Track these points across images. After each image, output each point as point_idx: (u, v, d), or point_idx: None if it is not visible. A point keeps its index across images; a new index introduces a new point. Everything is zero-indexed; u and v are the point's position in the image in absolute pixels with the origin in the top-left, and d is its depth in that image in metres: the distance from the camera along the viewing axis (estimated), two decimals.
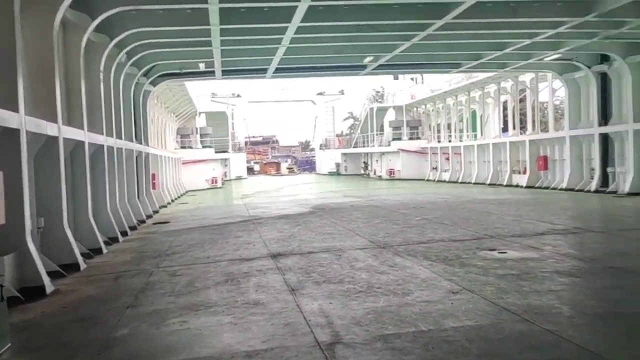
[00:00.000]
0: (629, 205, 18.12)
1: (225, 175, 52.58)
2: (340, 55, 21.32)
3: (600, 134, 23.67)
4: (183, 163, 39.15)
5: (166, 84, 24.90)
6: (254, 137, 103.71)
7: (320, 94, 63.62)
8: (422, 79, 51.39)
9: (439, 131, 45.16)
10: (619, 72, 22.65)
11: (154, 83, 22.86)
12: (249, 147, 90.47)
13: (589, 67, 23.70)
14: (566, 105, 26.22)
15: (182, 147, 42.81)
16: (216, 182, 42.88)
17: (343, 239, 12.27)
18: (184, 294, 7.71)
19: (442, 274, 7.99)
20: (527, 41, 19.40)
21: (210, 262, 10.18)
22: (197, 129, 45.29)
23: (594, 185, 23.87)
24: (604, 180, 23.58)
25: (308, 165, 77.23)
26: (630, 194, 21.22)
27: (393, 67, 24.90)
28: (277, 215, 18.57)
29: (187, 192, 36.75)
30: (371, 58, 21.90)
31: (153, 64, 20.59)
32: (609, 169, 23.36)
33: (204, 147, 44.12)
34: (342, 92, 64.47)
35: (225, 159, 52.25)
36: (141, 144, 21.21)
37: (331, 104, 65.20)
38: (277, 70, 23.58)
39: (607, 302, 6.44)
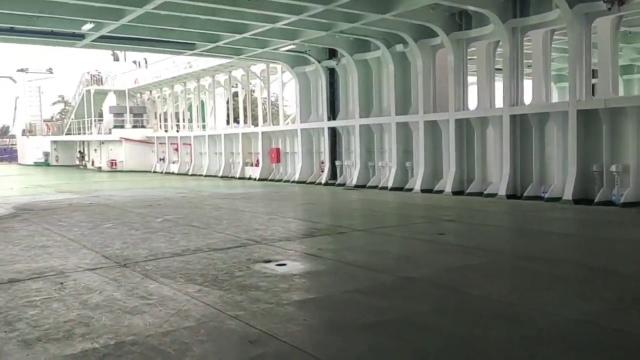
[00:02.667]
0: (364, 197, 18.85)
1: None
2: (52, 16, 17.15)
3: (329, 128, 24.58)
4: None
5: None
6: None
7: (23, 70, 53.79)
8: (146, 63, 47.65)
9: (166, 120, 42.36)
10: (345, 68, 23.75)
11: None
12: None
13: (319, 62, 24.33)
14: (297, 98, 26.63)
15: None
16: None
17: (64, 255, 9.10)
18: None
19: (222, 306, 5.93)
20: (269, 26, 18.55)
21: None
22: None
23: (324, 178, 24.71)
24: (333, 173, 24.60)
25: (7, 154, 65.07)
26: (357, 187, 22.42)
27: (118, 41, 21.43)
28: None
29: None
30: (91, 25, 18.21)
31: None
32: (337, 162, 24.43)
33: None
34: (50, 71, 55.80)
35: None
36: None
37: (37, 84, 55.75)
38: None
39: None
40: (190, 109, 39.76)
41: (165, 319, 5.60)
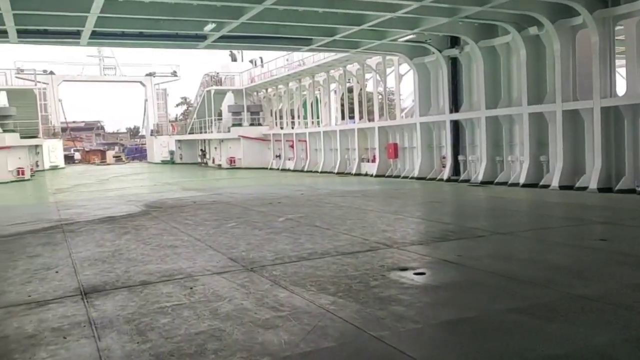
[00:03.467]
0: (494, 195, 17.36)
1: (37, 165, 44.75)
2: (175, 19, 17.58)
3: (451, 121, 23.15)
4: None
5: None
6: (75, 122, 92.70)
7: (151, 74, 57.50)
8: (262, 61, 48.78)
9: (281, 117, 42.96)
10: (469, 57, 22.18)
11: None
12: (69, 134, 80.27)
13: (440, 51, 22.96)
14: (416, 91, 25.44)
15: None
16: (23, 174, 35.61)
17: (191, 256, 8.94)
18: None
19: (362, 323, 5.21)
20: (388, 15, 17.65)
21: None
22: None
23: (446, 173, 23.33)
24: (456, 168, 23.15)
25: (138, 154, 70.16)
26: (483, 183, 20.83)
27: (237, 40, 21.67)
28: (98, 218, 14.39)
29: None
30: (213, 25, 18.45)
31: None
32: (460, 157, 22.95)
33: (4, 131, 36.35)
34: (174, 74, 59.02)
35: (36, 146, 44.41)
36: None
37: (163, 86, 59.43)
38: (95, 35, 18.91)
39: None
40: (305, 105, 39.93)
41: (302, 336, 4.98)
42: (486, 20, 19.17)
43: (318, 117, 39.95)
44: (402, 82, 29.58)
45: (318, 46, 22.88)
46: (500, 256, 8.10)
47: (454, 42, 22.58)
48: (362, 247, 8.92)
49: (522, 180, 19.31)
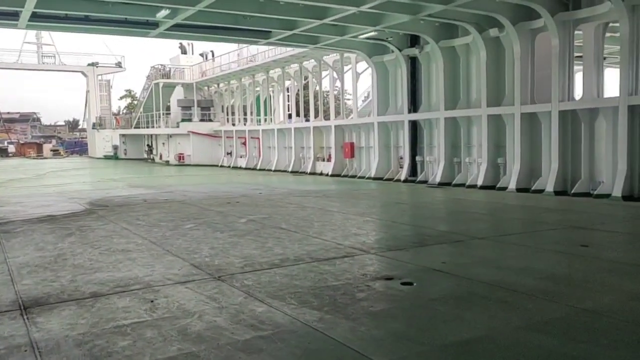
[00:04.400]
0: (455, 197, 17.14)
1: None
2: (126, 2, 16.39)
3: (409, 121, 22.89)
4: None
5: None
6: (9, 113, 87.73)
7: (93, 64, 54.83)
8: (213, 55, 47.36)
9: (233, 113, 41.81)
10: (429, 57, 21.99)
11: None
12: (3, 125, 75.83)
13: (400, 50, 22.66)
14: (374, 90, 25.07)
15: None
16: None
17: (148, 262, 8.02)
18: None
19: (360, 346, 4.54)
20: (352, 9, 17.14)
21: None
22: None
23: (403, 174, 23.06)
24: (413, 169, 22.92)
25: (78, 148, 66.93)
26: (441, 184, 20.67)
27: (192, 29, 20.58)
28: (37, 217, 13.10)
29: None
30: (167, 12, 17.34)
31: None
32: (417, 158, 22.73)
33: None
34: (119, 65, 56.57)
35: None
36: None
37: (107, 77, 56.81)
38: (36, 17, 17.41)
39: None
40: (257, 101, 38.96)
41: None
42: (448, 20, 18.96)
43: (270, 114, 39.06)
44: (358, 80, 29.18)
45: (277, 40, 22.10)
46: (487, 263, 7.64)
47: (414, 41, 22.33)
48: (338, 253, 8.27)
49: (479, 182, 19.25)
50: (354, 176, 26.15)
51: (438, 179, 20.98)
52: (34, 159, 56.35)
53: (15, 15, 17.32)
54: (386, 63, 24.21)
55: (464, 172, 20.59)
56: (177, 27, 19.53)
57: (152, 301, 6.05)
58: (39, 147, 63.83)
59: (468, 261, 7.69)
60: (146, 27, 19.71)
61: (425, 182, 21.86)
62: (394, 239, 9.54)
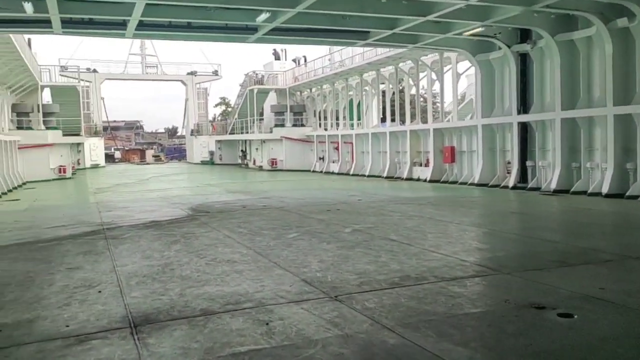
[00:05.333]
0: (578, 206, 15.40)
1: (79, 163, 44.55)
2: (227, 7, 16.30)
3: (519, 123, 21.16)
4: (20, 148, 31.22)
5: None
6: (115, 121, 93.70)
7: (192, 73, 56.94)
8: (305, 60, 47.50)
9: (325, 118, 41.52)
10: (542, 53, 20.21)
11: None
12: (109, 133, 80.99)
13: (509, 46, 21.03)
14: (478, 91, 23.55)
15: (19, 128, 34.46)
16: (65, 172, 35.15)
17: (256, 275, 7.46)
18: None
19: None
20: (460, 4, 15.97)
21: None
22: (39, 105, 36.85)
23: (511, 180, 21.35)
24: (523, 175, 21.15)
25: (177, 153, 69.94)
26: (556, 192, 18.82)
27: (290, 33, 20.24)
28: (143, 223, 13.14)
29: (25, 183, 29.15)
30: (267, 15, 17.06)
31: None
32: (528, 163, 20.94)
33: (48, 128, 35.99)
34: (216, 73, 58.35)
35: (78, 144, 44.17)
36: None
37: (204, 86, 58.81)
38: (142, 26, 17.80)
39: None
40: (351, 106, 38.36)
41: None
42: (567, 10, 17.25)
43: (363, 119, 38.28)
44: (459, 81, 27.69)
45: (375, 40, 21.26)
46: None
47: (524, 36, 20.66)
48: (464, 271, 7.26)
49: (605, 190, 17.24)
50: (454, 182, 24.72)
51: (553, 186, 19.14)
52: (137, 164, 59.43)
53: (123, 25, 17.81)
54: (492, 61, 22.63)
55: (584, 178, 18.60)
56: (275, 31, 19.28)
57: (267, 323, 5.40)
58: (142, 153, 67.36)
59: (632, 288, 6.39)
60: (245, 32, 19.65)
61: (537, 189, 20.05)
62: (527, 255, 8.34)
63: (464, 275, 7.04)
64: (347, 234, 10.67)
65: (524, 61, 21.15)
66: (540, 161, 20.47)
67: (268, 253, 8.94)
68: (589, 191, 17.98)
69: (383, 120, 37.31)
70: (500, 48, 21.53)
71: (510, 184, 21.28)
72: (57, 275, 7.90)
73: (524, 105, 21.11)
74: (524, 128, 21.15)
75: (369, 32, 20.49)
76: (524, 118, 20.91)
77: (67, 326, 5.60)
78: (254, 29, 19.38)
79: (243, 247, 9.59)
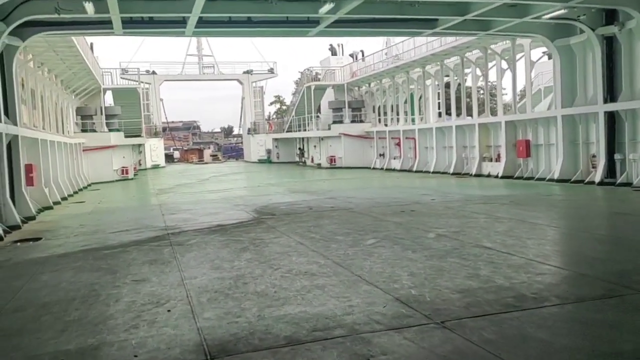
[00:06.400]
0: None
1: (140, 164, 45.29)
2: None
3: (605, 113, 19.30)
4: (84, 150, 31.78)
5: (44, 37, 17.77)
6: (173, 122, 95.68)
7: (248, 72, 56.86)
8: (363, 55, 46.36)
9: (385, 113, 40.26)
10: (632, 35, 18.31)
11: (20, 35, 15.86)
12: (168, 133, 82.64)
13: (593, 30, 19.20)
14: (557, 79, 21.74)
15: (84, 131, 35.14)
16: (127, 173, 35.63)
17: (340, 292, 6.54)
18: None
19: None
20: None
21: None
22: (102, 108, 37.52)
23: (598, 175, 19.52)
24: (610, 169, 19.29)
25: (234, 152, 70.31)
26: None
27: (352, 24, 19.25)
28: (208, 227, 12.53)
29: (89, 185, 29.58)
30: (331, 5, 16.11)
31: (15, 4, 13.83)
32: (616, 156, 19.07)
33: (110, 130, 36.56)
34: (271, 71, 58.03)
35: (139, 145, 44.89)
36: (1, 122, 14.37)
37: (260, 84, 58.63)
38: (202, 23, 17.25)
39: None
40: (412, 100, 36.94)
41: None
42: None
43: (424, 113, 36.78)
44: (532, 70, 25.83)
45: (443, 29, 19.87)
46: None
47: (610, 18, 18.80)
48: (594, 289, 6.06)
49: None
50: (530, 178, 23.03)
51: None
52: (196, 164, 60.06)
53: (182, 23, 17.35)
54: (573, 46, 20.80)
55: None
56: (338, 22, 18.33)
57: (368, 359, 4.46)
58: (200, 153, 68.09)
59: None
60: (307, 25, 18.79)
61: (628, 184, 18.20)
62: None
63: (592, 295, 5.85)
64: (431, 240, 9.59)
65: (609, 45, 19.26)
66: (630, 154, 18.57)
67: (348, 264, 8.01)
68: None
69: (448, 113, 35.68)
70: (582, 32, 19.75)
71: (597, 180, 19.47)
72: (123, 289, 7.27)
73: (610, 93, 19.24)
74: (611, 118, 19.27)
75: (437, 20, 19.18)
76: (612, 107, 19.05)
77: (136, 356, 4.87)
78: (315, 22, 18.50)
79: (319, 255, 8.70)
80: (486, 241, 9.15)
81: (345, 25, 19.16)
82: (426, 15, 18.49)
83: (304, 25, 18.94)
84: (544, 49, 26.11)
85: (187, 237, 11.29)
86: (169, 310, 6.18)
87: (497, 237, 9.52)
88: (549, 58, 35.67)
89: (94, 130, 36.00)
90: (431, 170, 30.39)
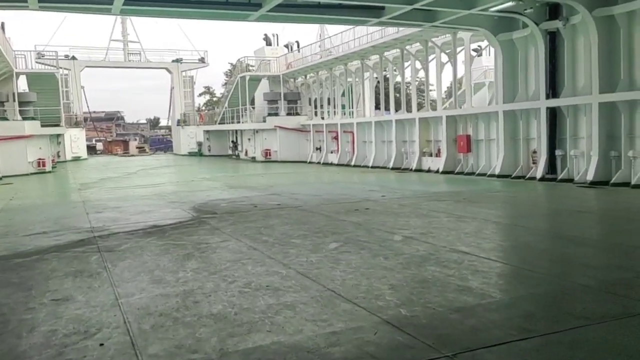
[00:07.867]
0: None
1: (59, 156, 41.98)
2: None
3: (547, 109, 19.35)
4: None
5: None
6: (95, 112, 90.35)
7: (177, 60, 54.21)
8: (299, 46, 45.31)
9: (321, 106, 39.41)
10: (576, 30, 18.39)
11: None
12: (90, 124, 77.84)
13: (537, 24, 19.15)
14: (498, 74, 21.64)
15: None
16: (44, 165, 32.65)
17: (318, 312, 5.45)
18: None
19: None
20: None
21: None
22: (14, 94, 34.14)
23: (539, 171, 19.56)
24: (551, 165, 19.38)
25: (162, 145, 67.17)
26: (593, 183, 17.10)
27: (295, 9, 18.15)
28: (141, 229, 11.02)
29: (0, 178, 26.72)
30: None
31: None
32: (557, 152, 19.17)
33: (25, 118, 33.35)
34: (202, 60, 55.65)
35: (58, 136, 41.58)
36: None
37: (190, 74, 56.07)
38: (131, 0, 15.53)
39: None
40: (350, 93, 36.30)
41: None
42: None
43: (359, 106, 36.25)
44: (472, 64, 25.78)
45: (389, 18, 19.15)
46: None
47: (554, 13, 18.81)
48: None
49: None
50: (470, 173, 22.92)
51: (590, 177, 17.38)
52: (121, 156, 56.73)
53: (108, 1, 15.53)
54: (515, 41, 20.73)
55: (625, 168, 16.88)
56: (281, 7, 17.16)
57: None
58: (125, 145, 64.47)
59: None
60: (248, 7, 17.47)
61: (569, 180, 18.32)
62: None
63: (615, 313, 5.12)
64: (400, 243, 8.70)
65: (552, 40, 19.29)
66: (572, 150, 18.71)
67: (315, 274, 6.94)
68: (632, 182, 16.28)
69: (386, 108, 35.38)
70: (525, 26, 19.68)
71: (538, 175, 19.51)
72: (40, 313, 5.83)
73: (553, 89, 19.29)
74: (553, 114, 19.34)
75: (384, 8, 18.45)
76: (554, 103, 19.10)
77: None
78: (257, 5, 17.22)
79: (278, 264, 7.57)
80: (460, 244, 8.37)
81: (289, 10, 18.03)
82: (373, 2, 17.67)
83: (244, 8, 17.61)
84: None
85: (119, 240, 9.78)
86: (101, 344, 4.86)
87: (469, 239, 8.77)
88: (479, 55, 36.44)
89: (5, 119, 32.75)
90: (370, 164, 29.88)
